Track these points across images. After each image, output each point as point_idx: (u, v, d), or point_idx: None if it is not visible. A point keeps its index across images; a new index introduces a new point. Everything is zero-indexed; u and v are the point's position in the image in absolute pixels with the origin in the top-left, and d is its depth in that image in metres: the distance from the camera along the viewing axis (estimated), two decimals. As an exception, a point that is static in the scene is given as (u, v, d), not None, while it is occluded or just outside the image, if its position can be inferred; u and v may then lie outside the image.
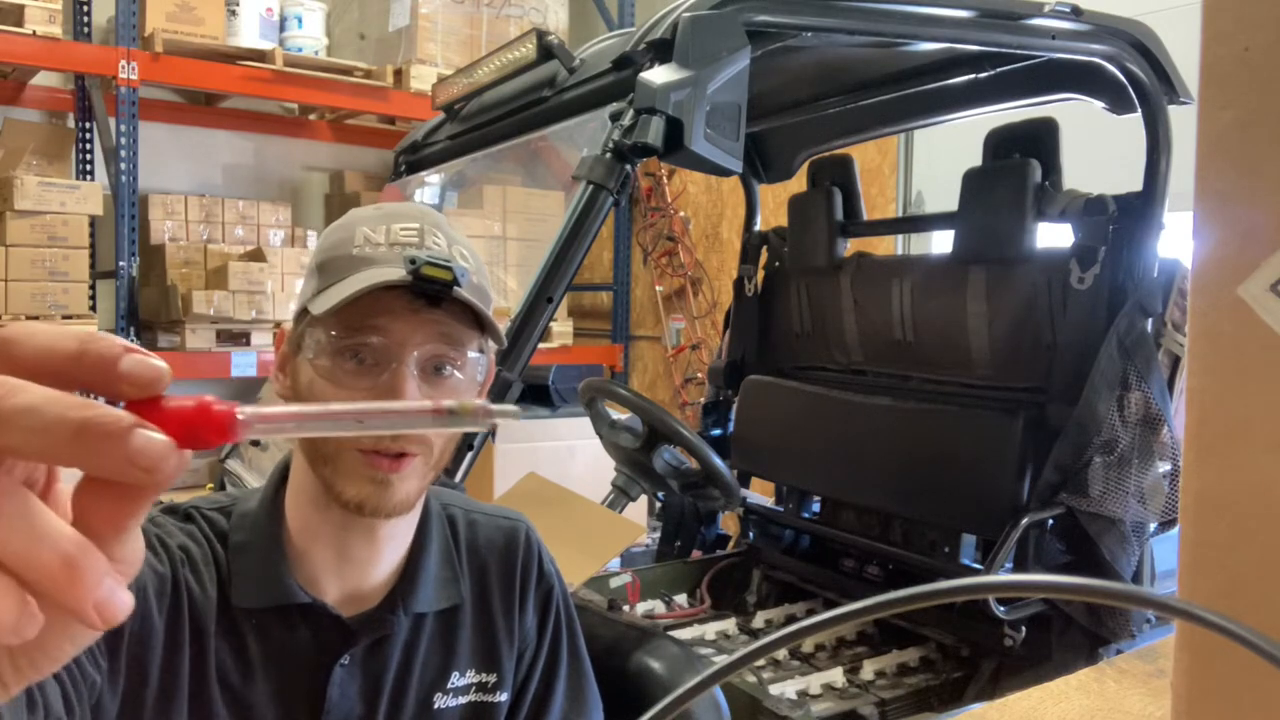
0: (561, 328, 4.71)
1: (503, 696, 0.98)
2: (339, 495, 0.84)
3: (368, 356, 0.83)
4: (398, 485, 0.84)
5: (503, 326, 1.42)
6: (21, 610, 0.28)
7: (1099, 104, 1.92)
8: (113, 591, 0.29)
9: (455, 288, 0.81)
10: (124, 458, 0.28)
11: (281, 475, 0.93)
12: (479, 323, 0.85)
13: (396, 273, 0.80)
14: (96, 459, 0.29)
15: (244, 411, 0.32)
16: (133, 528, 0.31)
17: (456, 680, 0.95)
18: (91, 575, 0.29)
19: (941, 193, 3.57)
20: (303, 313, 0.86)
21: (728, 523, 2.74)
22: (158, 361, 0.30)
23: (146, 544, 0.79)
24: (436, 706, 0.94)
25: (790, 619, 2.26)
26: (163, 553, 0.85)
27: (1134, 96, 1.81)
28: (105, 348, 0.30)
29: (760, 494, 2.68)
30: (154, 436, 0.29)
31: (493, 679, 0.98)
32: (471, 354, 0.86)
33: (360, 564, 0.90)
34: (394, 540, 0.92)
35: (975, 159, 2.04)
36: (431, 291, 0.81)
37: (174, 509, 0.91)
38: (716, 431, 2.61)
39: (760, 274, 2.62)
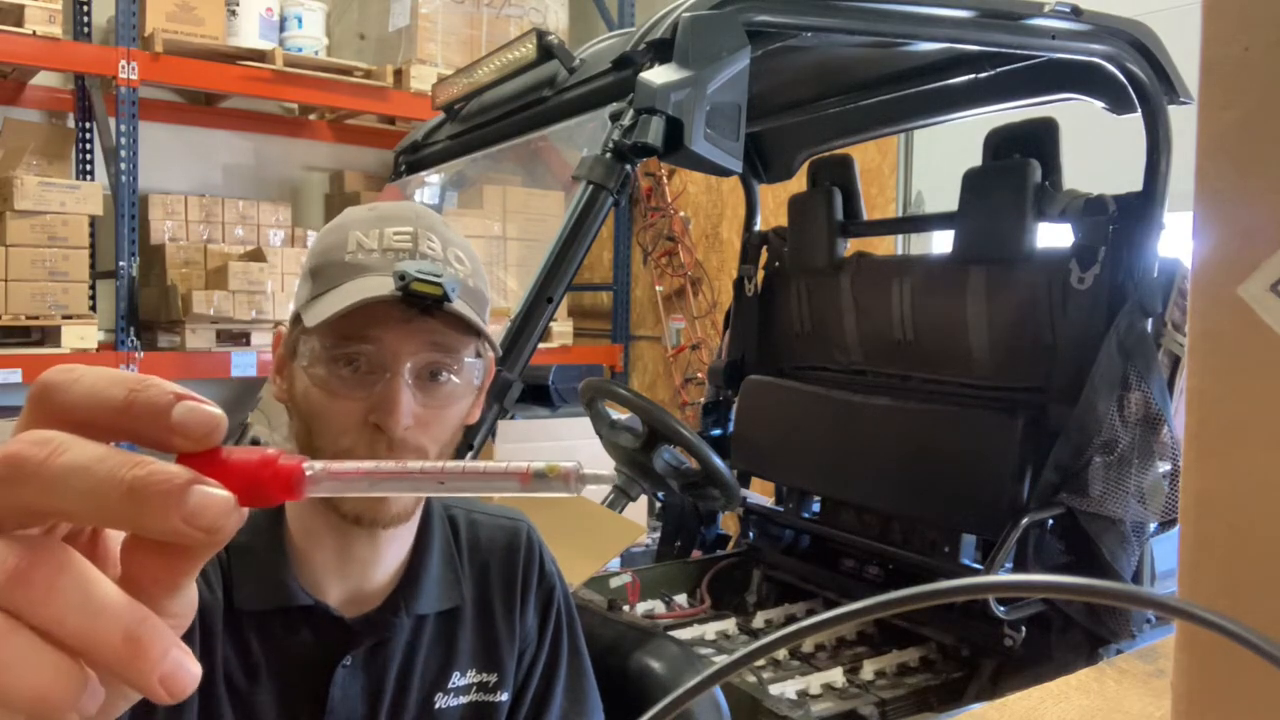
0: (561, 328, 4.71)
1: (503, 696, 0.98)
2: (336, 506, 0.84)
3: (362, 365, 0.82)
4: (394, 498, 0.84)
5: (503, 326, 1.42)
6: (82, 688, 0.27)
7: (1099, 104, 1.92)
8: (179, 664, 0.27)
9: (446, 302, 0.80)
10: (181, 518, 0.26)
11: None
12: (475, 328, 0.84)
13: (386, 286, 0.79)
14: (151, 521, 0.27)
15: (312, 467, 0.29)
16: (188, 584, 0.29)
17: (457, 680, 0.95)
18: (156, 649, 0.27)
19: (941, 193, 3.57)
20: (297, 318, 0.86)
21: (728, 523, 2.74)
22: (213, 409, 0.28)
23: None
24: (438, 706, 0.94)
25: (790, 619, 2.26)
26: None
27: (1134, 96, 1.81)
28: (155, 395, 0.28)
29: (760, 494, 2.68)
30: (213, 493, 0.27)
31: (493, 679, 0.98)
32: (468, 360, 0.86)
33: (362, 566, 0.90)
34: (395, 543, 0.92)
35: (975, 159, 2.04)
36: (422, 304, 0.81)
37: None
38: (716, 431, 2.61)
39: (760, 274, 2.62)
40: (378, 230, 0.85)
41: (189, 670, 0.28)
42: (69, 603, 0.26)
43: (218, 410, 0.28)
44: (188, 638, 0.86)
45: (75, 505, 0.27)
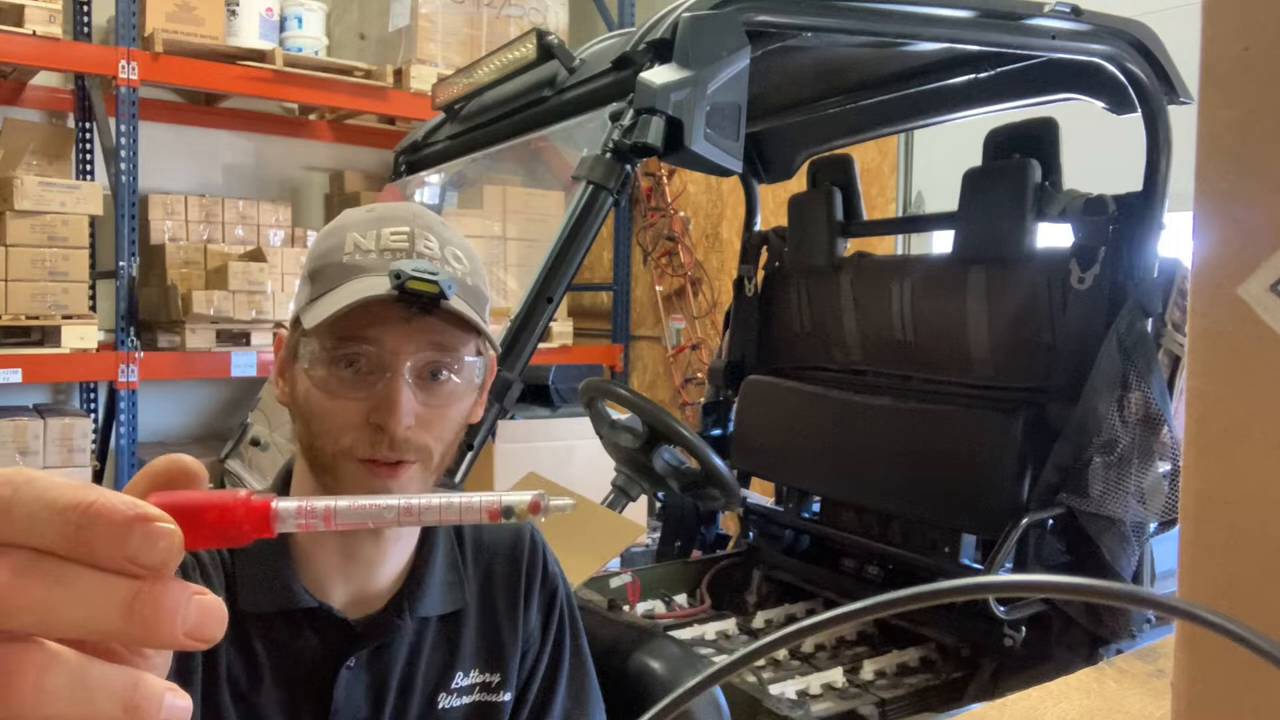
0: (561, 328, 4.71)
1: (506, 696, 0.98)
2: None
3: (362, 365, 0.82)
4: (397, 494, 0.83)
5: (503, 326, 1.42)
6: None
7: (1099, 104, 1.92)
8: (174, 705, 0.29)
9: (444, 300, 0.80)
10: (185, 634, 0.28)
11: (285, 478, 0.92)
12: (474, 326, 0.84)
13: (383, 285, 0.79)
14: (155, 642, 0.28)
15: (283, 502, 0.30)
16: None
17: (460, 680, 0.96)
18: (154, 706, 0.28)
19: (941, 193, 3.57)
20: (297, 320, 0.86)
21: (728, 523, 2.74)
22: (169, 529, 0.28)
23: None
24: (441, 706, 0.94)
25: (790, 619, 2.26)
26: None
27: (1134, 96, 1.81)
28: (114, 525, 0.27)
29: (760, 494, 2.68)
30: (211, 605, 0.28)
31: (496, 679, 0.98)
32: (468, 358, 0.85)
33: (366, 566, 0.90)
34: (399, 543, 0.92)
35: (975, 159, 2.04)
36: (419, 302, 0.80)
37: None
38: (716, 431, 2.61)
39: (760, 274, 2.62)
40: (375, 231, 0.85)
41: (182, 707, 0.29)
42: (61, 698, 0.27)
43: (172, 528, 0.28)
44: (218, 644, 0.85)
45: (69, 632, 0.27)
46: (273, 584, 0.87)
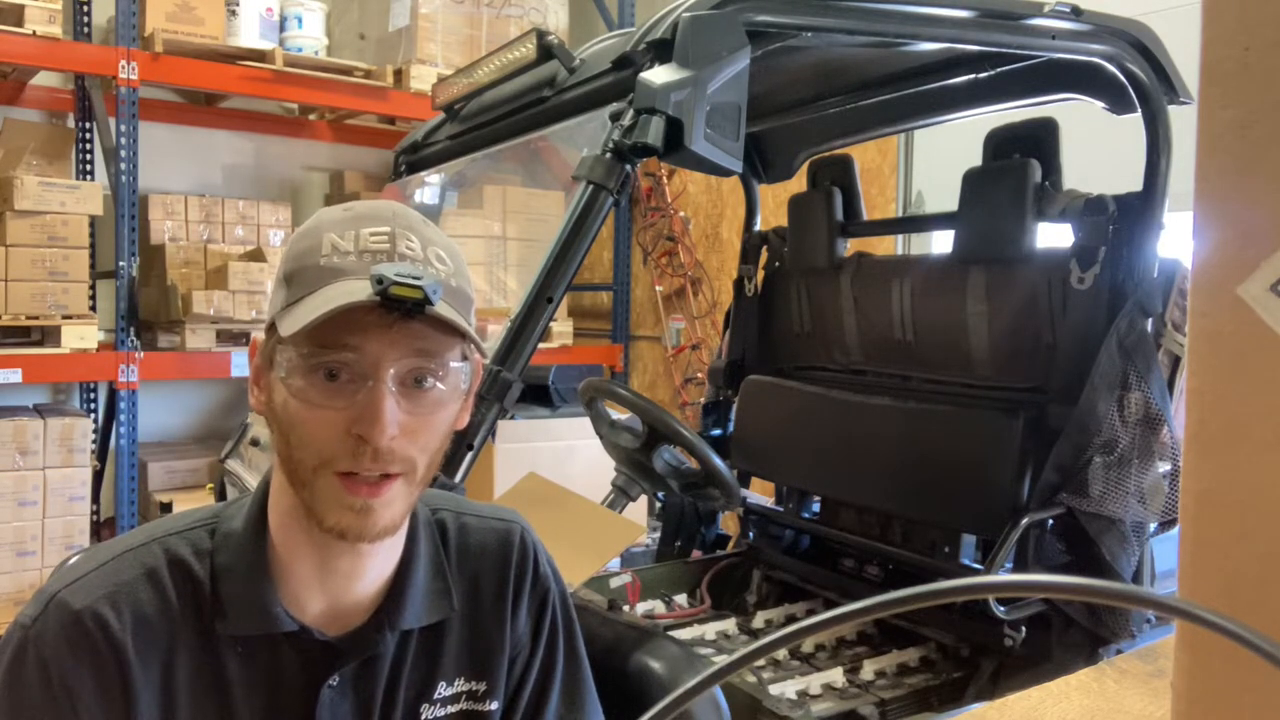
0: (561, 328, 4.71)
1: (493, 705, 0.96)
2: (320, 522, 0.81)
3: (342, 373, 0.78)
4: (380, 511, 0.80)
5: (502, 326, 1.42)
6: None
7: (1099, 104, 1.92)
8: None
9: (428, 305, 0.76)
10: None
11: (265, 490, 0.89)
12: (459, 331, 0.80)
13: (364, 290, 0.75)
14: None
15: None
16: None
17: (444, 690, 0.93)
18: None
19: (941, 193, 3.57)
20: (272, 326, 0.82)
21: (728, 523, 2.74)
22: None
23: (134, 608, 0.82)
24: (424, 718, 0.92)
25: (790, 619, 2.26)
26: (155, 601, 0.83)
27: (1134, 96, 1.81)
28: None
29: (760, 494, 2.68)
30: None
31: (482, 687, 0.95)
32: (453, 364, 0.82)
33: (344, 578, 0.87)
34: (379, 556, 0.89)
35: (975, 159, 2.04)
36: (403, 309, 0.76)
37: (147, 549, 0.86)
38: (716, 431, 2.61)
39: (760, 274, 2.62)
40: (353, 231, 0.81)
41: None
42: None
43: None
44: (174, 663, 0.84)
45: None
46: (253, 606, 0.84)
